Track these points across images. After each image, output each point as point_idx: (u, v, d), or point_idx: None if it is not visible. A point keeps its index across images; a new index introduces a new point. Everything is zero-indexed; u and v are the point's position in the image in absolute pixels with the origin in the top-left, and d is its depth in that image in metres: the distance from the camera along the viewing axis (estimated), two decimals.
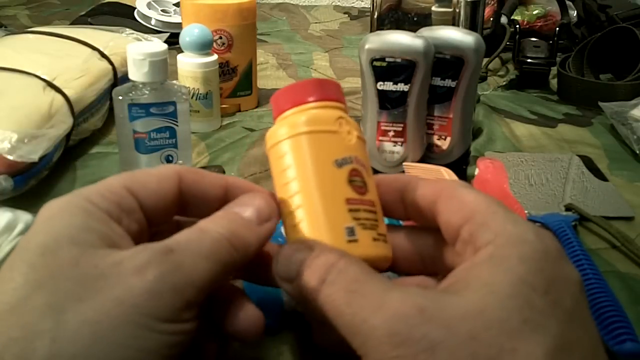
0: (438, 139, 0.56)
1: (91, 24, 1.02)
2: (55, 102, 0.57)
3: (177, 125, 0.54)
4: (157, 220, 0.29)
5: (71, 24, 1.09)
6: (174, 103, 0.54)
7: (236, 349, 0.35)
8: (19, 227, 0.43)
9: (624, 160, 0.65)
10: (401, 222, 0.38)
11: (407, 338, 0.22)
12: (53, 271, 0.24)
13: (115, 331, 0.23)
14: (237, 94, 0.76)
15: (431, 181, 0.31)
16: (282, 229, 0.30)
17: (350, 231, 0.28)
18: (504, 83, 0.90)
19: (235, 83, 0.75)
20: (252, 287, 0.35)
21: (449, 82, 0.54)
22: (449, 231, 0.29)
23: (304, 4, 1.50)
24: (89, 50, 0.69)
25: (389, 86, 0.53)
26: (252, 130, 0.71)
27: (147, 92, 0.53)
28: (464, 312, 0.23)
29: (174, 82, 0.57)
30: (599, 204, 0.54)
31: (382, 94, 0.53)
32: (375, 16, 0.68)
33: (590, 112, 0.80)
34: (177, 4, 1.10)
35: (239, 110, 0.77)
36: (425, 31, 0.54)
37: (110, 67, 0.69)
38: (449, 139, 0.56)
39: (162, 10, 1.10)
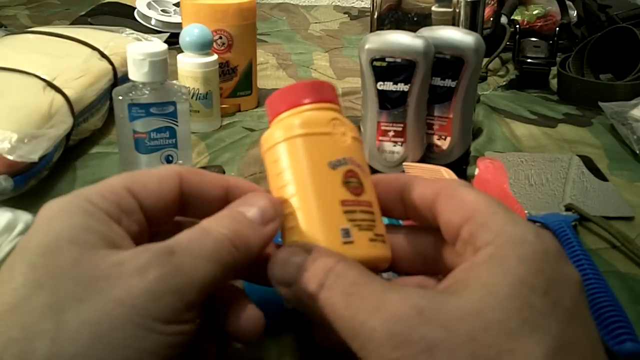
0: (438, 139, 0.56)
1: (91, 24, 1.02)
2: (55, 102, 0.57)
3: (177, 125, 0.54)
4: (157, 220, 0.29)
5: (71, 24, 1.09)
6: (174, 103, 0.54)
7: (236, 349, 0.35)
8: (19, 227, 0.43)
9: (624, 160, 0.65)
10: (401, 222, 0.38)
11: (406, 339, 0.22)
12: (53, 271, 0.24)
13: (115, 332, 0.23)
14: (237, 94, 0.76)
15: (431, 181, 0.31)
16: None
17: (346, 233, 0.28)
18: (504, 83, 0.90)
19: (235, 83, 0.75)
20: (252, 287, 0.35)
21: (449, 82, 0.54)
22: (449, 231, 0.29)
23: (304, 4, 1.49)
24: (89, 50, 0.69)
25: (389, 86, 0.53)
26: (252, 130, 0.71)
27: (147, 92, 0.53)
28: (463, 313, 0.23)
29: (174, 82, 0.57)
30: (599, 204, 0.54)
31: (382, 94, 0.53)
32: (375, 16, 0.68)
33: (590, 112, 0.79)
34: (177, 4, 1.10)
35: (239, 110, 0.77)
36: (425, 31, 0.54)
37: (110, 67, 0.69)
38: (449, 139, 0.56)
39: (162, 10, 1.10)
